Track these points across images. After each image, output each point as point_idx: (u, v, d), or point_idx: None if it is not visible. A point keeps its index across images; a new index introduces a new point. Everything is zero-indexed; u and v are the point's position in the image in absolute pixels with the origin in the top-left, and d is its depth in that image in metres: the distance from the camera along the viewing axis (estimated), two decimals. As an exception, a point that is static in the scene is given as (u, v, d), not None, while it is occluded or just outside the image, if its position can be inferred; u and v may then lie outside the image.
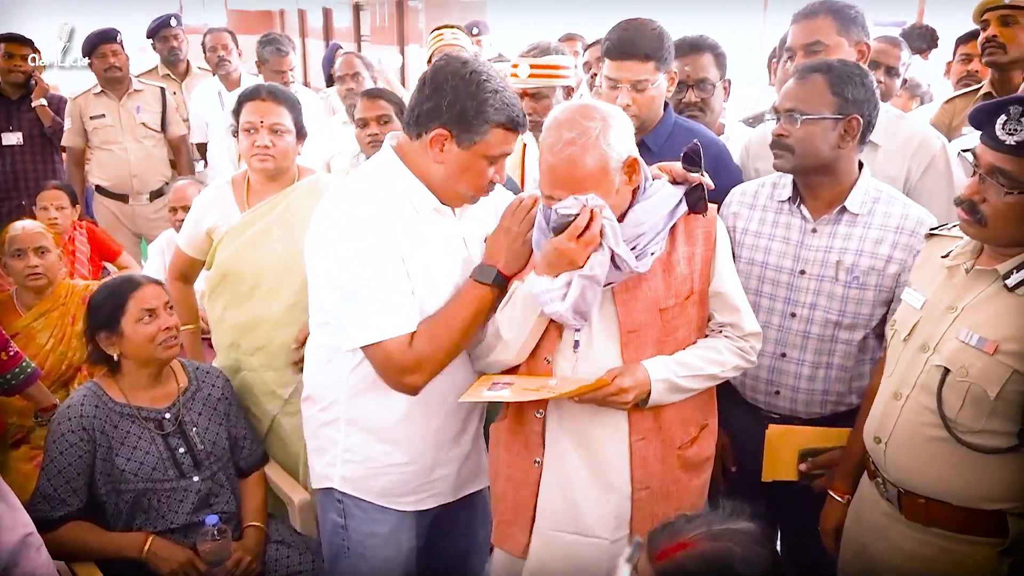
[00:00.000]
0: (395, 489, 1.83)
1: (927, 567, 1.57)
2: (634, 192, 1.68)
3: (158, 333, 2.07)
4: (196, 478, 2.12)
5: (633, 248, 1.61)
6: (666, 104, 2.23)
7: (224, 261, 2.32)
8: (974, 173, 1.50)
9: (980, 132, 1.49)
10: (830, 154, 1.83)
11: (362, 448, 1.81)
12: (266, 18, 14.56)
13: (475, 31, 4.93)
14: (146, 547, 2.00)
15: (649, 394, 1.64)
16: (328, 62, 4.90)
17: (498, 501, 1.82)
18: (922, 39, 3.98)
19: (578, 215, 1.55)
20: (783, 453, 1.96)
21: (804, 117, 1.81)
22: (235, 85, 4.13)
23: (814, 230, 1.90)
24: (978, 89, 2.96)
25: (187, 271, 2.49)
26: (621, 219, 1.63)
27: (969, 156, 1.53)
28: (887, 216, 1.85)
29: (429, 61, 3.71)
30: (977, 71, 3.17)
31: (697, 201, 1.68)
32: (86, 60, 4.10)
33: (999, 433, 1.47)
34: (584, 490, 1.70)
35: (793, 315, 1.94)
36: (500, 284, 1.71)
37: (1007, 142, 1.43)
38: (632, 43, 2.11)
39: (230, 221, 2.33)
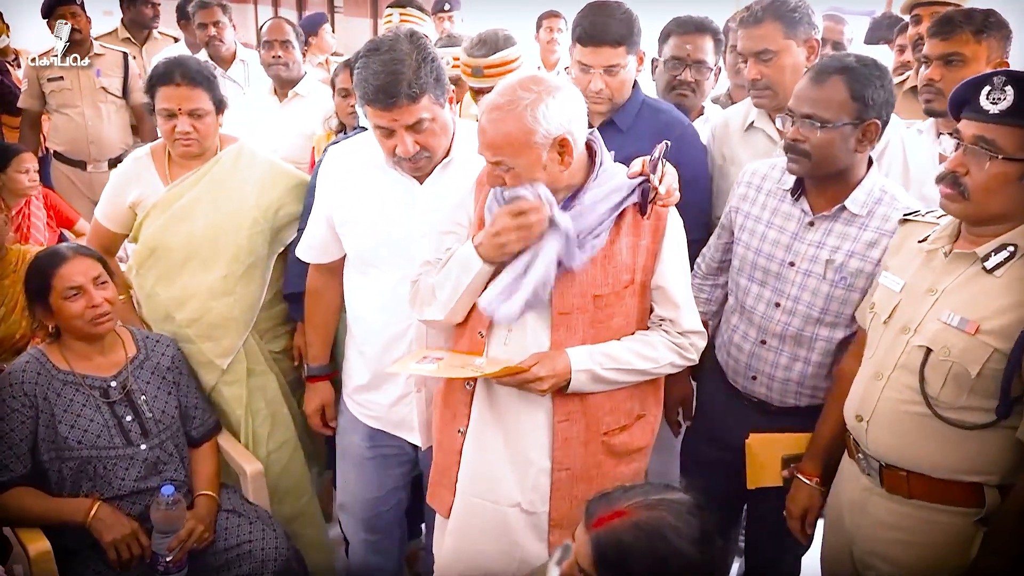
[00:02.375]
0: (349, 395, 2.15)
1: (907, 537, 1.61)
2: (588, 172, 1.67)
3: (86, 310, 2.01)
4: (144, 446, 2.08)
5: (576, 240, 1.61)
6: (635, 84, 2.22)
7: (152, 235, 2.27)
8: (956, 148, 1.51)
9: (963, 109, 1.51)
10: (847, 159, 1.79)
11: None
12: (237, -15, 14.26)
13: (446, 7, 4.84)
14: (91, 513, 1.96)
15: (569, 382, 1.65)
16: (306, 29, 4.72)
17: (432, 462, 1.88)
18: (890, 29, 3.99)
19: (528, 202, 1.57)
20: (766, 460, 1.97)
21: (824, 124, 1.74)
22: (227, 64, 3.93)
23: (811, 223, 1.87)
24: (904, 81, 2.98)
25: (108, 245, 2.40)
26: (563, 203, 1.63)
27: (945, 144, 1.54)
28: (885, 219, 1.80)
29: None
30: (910, 61, 3.18)
31: (645, 202, 1.66)
32: (45, 21, 3.96)
33: (978, 409, 1.51)
34: (502, 462, 1.72)
35: (778, 305, 1.92)
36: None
37: (991, 111, 1.46)
38: (604, 29, 2.09)
39: (154, 194, 2.29)
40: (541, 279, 1.60)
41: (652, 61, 2.63)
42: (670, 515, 1.26)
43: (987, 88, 1.46)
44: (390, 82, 1.69)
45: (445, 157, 1.87)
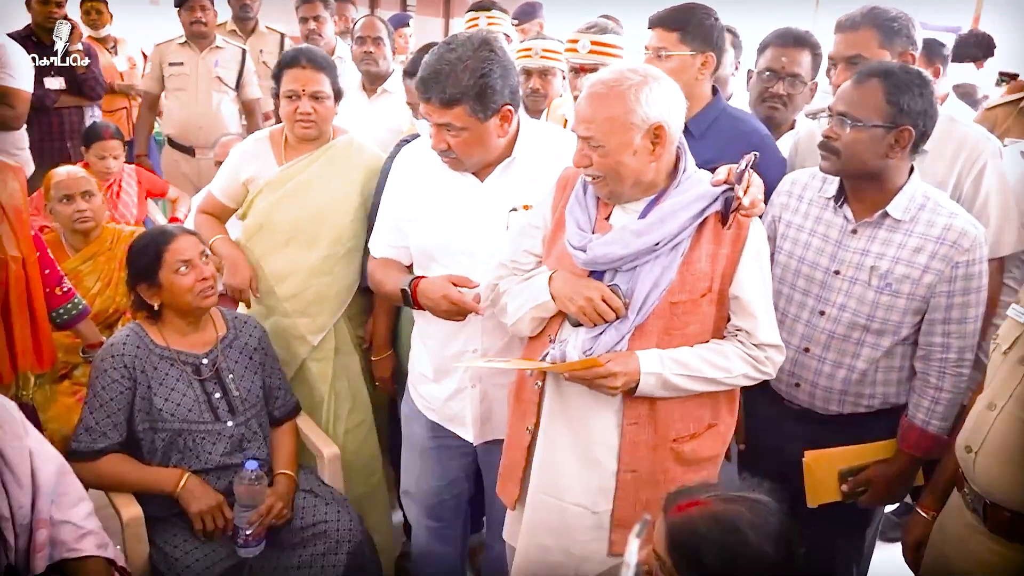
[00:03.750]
0: (413, 384, 2.19)
1: None
2: (671, 177, 1.69)
3: (195, 284, 2.12)
4: (230, 423, 2.18)
5: (656, 247, 1.63)
6: (715, 90, 2.22)
7: (262, 211, 2.40)
8: None
9: None
10: (877, 162, 1.80)
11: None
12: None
13: (530, 11, 4.90)
14: (181, 483, 2.06)
15: (638, 385, 1.65)
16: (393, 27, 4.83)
17: (503, 455, 1.92)
18: (977, 47, 3.91)
19: (620, 300, 1.63)
20: (823, 476, 1.97)
21: (855, 123, 1.78)
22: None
23: (854, 231, 1.89)
24: (1020, 99, 2.92)
25: (218, 215, 2.54)
26: (645, 207, 1.67)
27: None
28: (930, 225, 1.82)
29: None
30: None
31: (727, 212, 1.66)
32: (177, 10, 4.17)
33: None
34: (569, 461, 1.74)
35: (822, 313, 1.93)
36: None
37: None
38: (661, 14, 2.15)
39: (268, 174, 2.41)
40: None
41: (747, 72, 2.63)
42: (747, 511, 1.28)
43: None
44: (430, 79, 1.76)
45: (507, 156, 1.90)
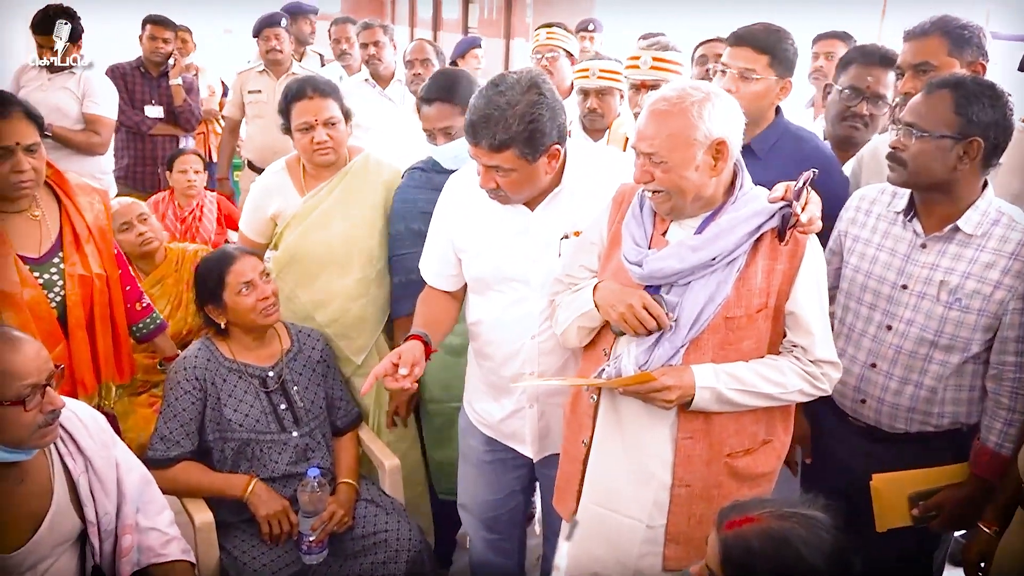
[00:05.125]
0: (469, 401, 2.22)
1: None
2: (727, 194, 1.70)
3: (257, 303, 2.21)
4: (296, 433, 2.26)
5: (712, 262, 1.64)
6: (778, 110, 2.21)
7: (292, 244, 2.46)
8: None
9: None
10: (945, 174, 1.77)
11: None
12: (378, 6, 14.97)
13: (590, 27, 4.98)
14: (249, 488, 2.15)
15: (693, 399, 1.65)
16: (458, 53, 4.98)
17: (559, 468, 1.94)
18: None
19: (663, 309, 1.64)
20: (893, 500, 1.93)
21: (921, 134, 1.76)
22: (386, 83, 4.09)
23: (923, 246, 1.86)
24: None
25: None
26: (702, 222, 1.68)
27: None
28: (1004, 241, 1.78)
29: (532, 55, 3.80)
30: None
31: (783, 228, 1.66)
32: (255, 39, 4.42)
33: None
34: (624, 475, 1.75)
35: (889, 328, 1.91)
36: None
37: None
38: (751, 33, 2.13)
39: (293, 206, 2.46)
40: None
41: (825, 87, 2.59)
42: (801, 527, 1.27)
43: None
44: (479, 123, 1.77)
45: (555, 187, 1.93)
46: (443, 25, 13.94)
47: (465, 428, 2.27)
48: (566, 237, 1.93)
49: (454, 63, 4.59)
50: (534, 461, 2.14)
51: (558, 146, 1.85)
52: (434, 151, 2.34)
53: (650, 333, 1.67)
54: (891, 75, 2.35)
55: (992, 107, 1.74)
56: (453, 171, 2.19)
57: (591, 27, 4.96)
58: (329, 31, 4.72)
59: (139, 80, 4.35)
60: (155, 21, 4.43)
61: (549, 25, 3.80)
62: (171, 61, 4.46)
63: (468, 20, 13.26)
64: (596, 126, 3.13)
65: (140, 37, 4.46)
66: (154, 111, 4.38)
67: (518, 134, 1.77)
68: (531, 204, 1.95)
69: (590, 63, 3.13)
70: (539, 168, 1.85)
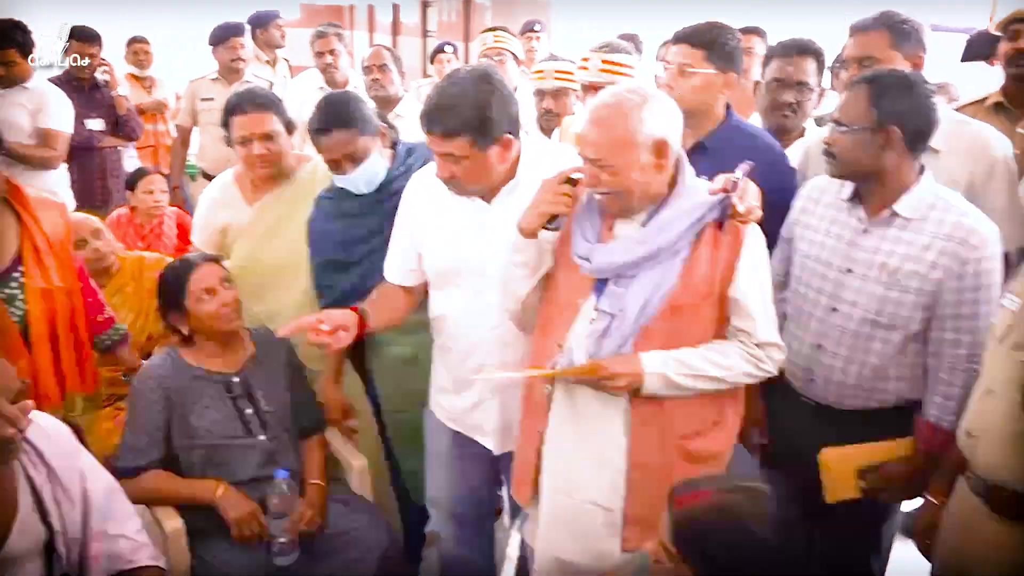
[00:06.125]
0: (434, 396, 2.26)
1: (1013, 557, 1.62)
2: (671, 188, 1.76)
3: (219, 309, 2.23)
4: (262, 437, 2.28)
5: (657, 253, 1.71)
6: (728, 107, 2.29)
7: (242, 256, 2.47)
8: None
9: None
10: (871, 163, 1.87)
11: None
12: (336, 13, 14.90)
13: (536, 27, 5.07)
14: (218, 492, 2.17)
15: (642, 385, 1.72)
16: (431, 59, 5.10)
17: (516, 457, 2.01)
18: (991, 45, 3.92)
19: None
20: (841, 473, 2.01)
21: (844, 128, 1.87)
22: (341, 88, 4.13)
23: (866, 231, 1.95)
24: (986, 98, 2.96)
25: None
26: (648, 216, 1.75)
27: None
28: (940, 223, 1.87)
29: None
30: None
31: (723, 219, 1.74)
32: (211, 47, 4.38)
33: None
34: (581, 461, 1.81)
35: (835, 310, 1.99)
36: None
37: None
38: (689, 30, 2.22)
39: (241, 218, 2.49)
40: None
41: (755, 83, 2.70)
42: (747, 500, 1.34)
43: None
44: (431, 113, 1.86)
45: (511, 179, 1.99)
46: (402, 30, 13.95)
47: (431, 425, 2.31)
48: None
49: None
50: (497, 454, 2.18)
51: (510, 135, 1.92)
52: (344, 181, 2.31)
53: (575, 200, 1.75)
54: (812, 63, 2.48)
55: (906, 96, 1.84)
56: (372, 193, 2.27)
57: (536, 27, 5.07)
58: (312, 44, 4.69)
59: (73, 94, 4.22)
60: (79, 37, 4.32)
61: (495, 29, 3.93)
62: (100, 74, 4.38)
63: (427, 24, 13.28)
64: (552, 126, 3.20)
65: (65, 51, 4.36)
66: (95, 124, 4.32)
67: (469, 121, 1.84)
68: (487, 198, 2.01)
69: (545, 64, 3.20)
70: (492, 157, 1.91)
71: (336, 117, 2.25)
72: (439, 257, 2.09)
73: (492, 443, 2.17)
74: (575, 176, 1.75)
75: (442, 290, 2.13)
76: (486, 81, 1.88)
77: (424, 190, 2.12)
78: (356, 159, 2.27)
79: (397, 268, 2.19)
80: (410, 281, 2.19)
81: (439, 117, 1.85)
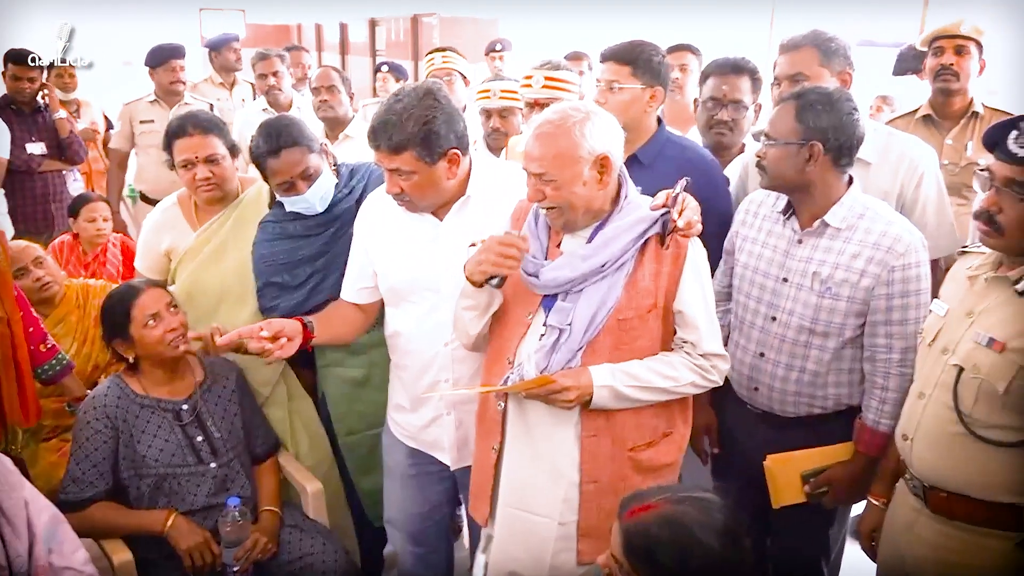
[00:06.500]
0: (391, 414, 2.27)
1: (953, 558, 1.67)
2: (614, 204, 1.81)
3: (165, 334, 2.20)
4: (213, 464, 2.25)
5: (602, 268, 1.75)
6: (660, 121, 2.36)
7: (187, 280, 2.44)
8: (989, 187, 1.60)
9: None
10: (798, 176, 1.95)
11: None
12: (284, 32, 14.82)
13: (498, 47, 5.11)
14: (168, 523, 2.13)
15: (592, 398, 1.75)
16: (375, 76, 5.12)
17: (472, 475, 2.02)
18: (918, 60, 4.10)
19: (513, 234, 1.74)
20: (786, 479, 2.07)
21: (772, 142, 1.95)
22: (285, 110, 4.12)
23: (799, 241, 2.02)
24: (916, 111, 3.12)
25: None
26: (592, 232, 1.79)
27: (984, 173, 1.64)
28: (868, 232, 1.94)
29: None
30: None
31: (665, 233, 1.79)
32: (148, 68, 4.33)
33: (1011, 428, 1.58)
34: (534, 476, 1.84)
35: (773, 319, 2.06)
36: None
37: (1019, 155, 1.55)
38: (615, 48, 2.30)
39: (186, 241, 2.46)
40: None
41: (694, 101, 2.77)
42: (695, 509, 1.37)
43: (1014, 132, 1.55)
44: (377, 129, 1.90)
45: (461, 196, 2.02)
46: (350, 49, 13.91)
47: (388, 444, 2.31)
48: (474, 245, 2.01)
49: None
50: (454, 470, 2.19)
51: (456, 151, 1.94)
52: (298, 202, 2.28)
53: (518, 261, 1.75)
54: (746, 81, 2.56)
55: (828, 112, 1.91)
56: (318, 214, 2.28)
57: (499, 47, 5.11)
58: (254, 65, 4.66)
59: (13, 118, 4.15)
60: (16, 60, 4.21)
61: (443, 49, 3.94)
62: (41, 97, 4.29)
63: (376, 43, 13.27)
64: (500, 144, 3.23)
65: (3, 75, 4.29)
66: (36, 147, 4.22)
67: (414, 136, 1.87)
68: (440, 214, 2.04)
69: (491, 84, 3.23)
70: (439, 172, 1.94)
71: (283, 137, 2.23)
72: (393, 274, 2.11)
73: (449, 458, 2.18)
74: (520, 237, 1.76)
75: (397, 307, 2.15)
76: (431, 97, 1.91)
77: (379, 208, 2.14)
78: (309, 177, 2.26)
79: (351, 286, 2.22)
80: (363, 299, 2.21)
81: (385, 133, 1.88)
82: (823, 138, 1.91)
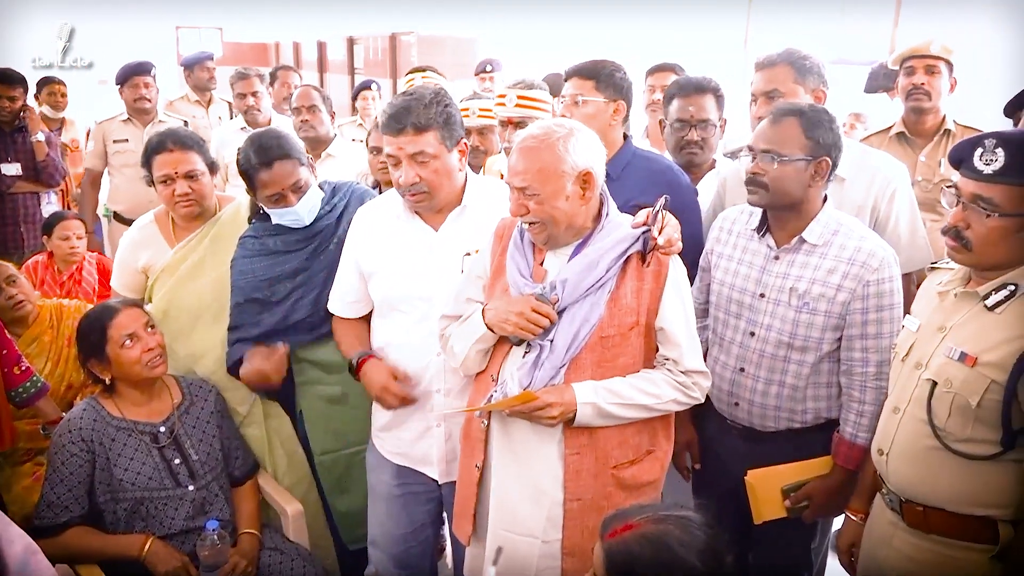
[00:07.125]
0: (376, 432, 2.26)
1: (929, 571, 1.69)
2: (595, 222, 1.83)
3: (142, 355, 2.18)
4: (191, 487, 2.22)
5: (587, 291, 1.76)
6: (626, 135, 2.40)
7: (163, 297, 2.43)
8: (957, 203, 1.63)
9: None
10: (801, 193, 1.96)
11: None
12: (261, 51, 14.80)
13: (488, 68, 5.13)
14: (146, 548, 2.10)
15: (576, 415, 1.76)
16: (353, 97, 5.13)
17: (456, 493, 2.02)
18: (889, 78, 4.17)
19: (548, 304, 1.75)
20: (767, 494, 2.07)
21: (781, 158, 1.94)
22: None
23: (776, 257, 2.04)
24: (890, 128, 3.18)
25: None
26: (573, 251, 1.81)
27: (952, 190, 1.67)
28: (842, 248, 1.97)
29: None
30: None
31: (646, 251, 1.81)
32: (117, 87, 4.29)
33: (984, 441, 1.60)
34: (518, 494, 1.84)
35: (752, 334, 2.08)
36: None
37: (984, 171, 1.58)
38: (582, 64, 2.36)
39: (163, 258, 2.46)
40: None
41: (660, 122, 2.80)
42: (676, 528, 1.36)
43: (980, 150, 1.59)
44: (401, 111, 1.93)
45: (458, 205, 2.05)
46: (329, 67, 13.91)
47: (373, 463, 2.29)
48: (468, 255, 2.04)
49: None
50: (441, 483, 2.18)
51: (466, 142, 2.03)
52: (287, 214, 2.28)
53: (547, 331, 1.77)
54: (710, 99, 2.58)
55: (831, 130, 1.95)
56: (298, 230, 2.29)
57: (489, 68, 5.12)
58: (232, 84, 4.65)
59: None
60: (1, 79, 4.18)
61: (423, 69, 3.93)
62: (23, 115, 4.24)
63: (354, 61, 13.29)
64: (478, 163, 3.25)
65: None
66: (10, 168, 4.17)
67: (437, 115, 1.94)
68: (435, 224, 2.06)
69: (469, 103, 3.25)
70: (454, 162, 2.00)
71: (275, 149, 2.23)
72: (387, 284, 2.11)
73: (437, 471, 2.16)
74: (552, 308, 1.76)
75: (386, 318, 2.15)
76: (440, 90, 1.99)
77: (372, 219, 2.16)
78: (300, 189, 2.26)
79: (341, 300, 2.23)
80: (353, 313, 2.22)
81: (409, 114, 1.92)
82: (829, 154, 1.95)
